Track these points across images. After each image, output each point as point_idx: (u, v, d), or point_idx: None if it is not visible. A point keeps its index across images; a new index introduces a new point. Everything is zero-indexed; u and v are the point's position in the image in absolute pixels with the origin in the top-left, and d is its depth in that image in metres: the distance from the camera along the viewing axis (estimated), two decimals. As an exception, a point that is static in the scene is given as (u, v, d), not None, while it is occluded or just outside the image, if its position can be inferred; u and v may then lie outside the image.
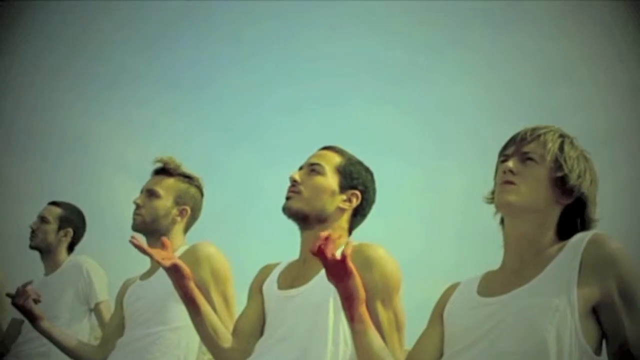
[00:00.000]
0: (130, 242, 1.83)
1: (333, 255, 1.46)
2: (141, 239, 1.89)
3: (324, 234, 1.48)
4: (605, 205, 1.55)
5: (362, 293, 1.54)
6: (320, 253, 1.46)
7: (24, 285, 2.46)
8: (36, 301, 2.46)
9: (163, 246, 1.89)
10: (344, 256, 1.46)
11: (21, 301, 2.43)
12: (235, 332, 1.95)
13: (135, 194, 2.46)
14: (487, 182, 1.60)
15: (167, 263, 1.82)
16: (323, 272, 1.55)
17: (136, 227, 2.40)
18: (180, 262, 1.85)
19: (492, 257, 1.59)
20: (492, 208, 1.58)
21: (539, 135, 1.52)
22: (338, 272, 1.49)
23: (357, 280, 1.51)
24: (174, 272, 1.85)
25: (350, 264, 1.48)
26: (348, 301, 1.53)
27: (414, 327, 1.76)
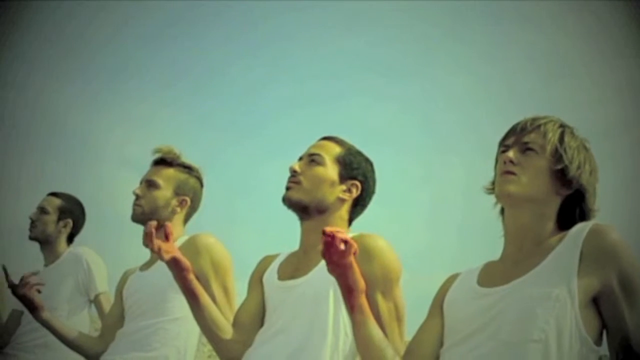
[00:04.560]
0: (149, 224, 1.82)
1: (338, 242, 1.45)
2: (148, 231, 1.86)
3: (335, 228, 1.47)
4: (605, 197, 1.55)
5: (361, 285, 1.54)
6: (329, 235, 1.45)
7: (29, 275, 2.46)
8: (38, 290, 2.46)
9: (165, 235, 1.87)
10: (347, 247, 1.45)
11: (23, 290, 2.43)
12: (235, 323, 1.95)
13: (135, 185, 2.45)
14: (487, 175, 1.61)
15: (167, 257, 1.82)
16: (323, 263, 1.55)
17: (135, 218, 2.40)
18: (179, 255, 1.85)
19: (493, 248, 1.59)
20: (492, 200, 1.58)
21: (539, 126, 1.52)
22: (337, 262, 1.49)
23: (356, 272, 1.52)
24: (174, 265, 1.85)
25: (351, 257, 1.48)
26: (348, 292, 1.53)
27: (416, 318, 1.76)
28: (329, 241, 1.44)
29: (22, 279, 2.45)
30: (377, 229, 1.88)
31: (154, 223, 1.82)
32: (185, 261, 1.86)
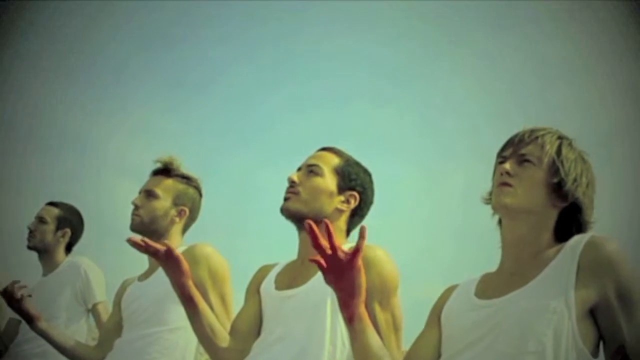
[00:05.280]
0: (128, 241, 1.82)
1: (341, 252, 1.43)
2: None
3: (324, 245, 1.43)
4: (604, 206, 1.54)
5: (363, 293, 1.52)
6: (318, 262, 1.44)
7: (12, 285, 2.46)
8: (29, 295, 2.46)
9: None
10: (356, 250, 1.43)
11: (14, 303, 2.44)
12: (232, 332, 1.95)
13: (134, 194, 2.46)
14: (486, 183, 1.60)
15: (175, 252, 1.82)
16: (320, 273, 1.54)
17: (134, 228, 2.40)
18: (182, 257, 1.85)
19: (491, 258, 1.59)
20: (490, 208, 1.57)
21: (537, 137, 1.52)
22: (344, 268, 1.45)
23: (363, 278, 1.49)
24: (176, 267, 1.84)
25: (360, 261, 1.45)
26: (349, 300, 1.49)
27: (412, 328, 1.76)
28: (328, 254, 1.43)
29: (5, 292, 2.45)
30: (375, 235, 1.88)
31: (133, 238, 1.82)
32: (187, 266, 1.86)
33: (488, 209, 1.58)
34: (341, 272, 1.46)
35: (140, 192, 2.45)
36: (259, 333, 1.91)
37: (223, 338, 1.91)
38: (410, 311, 1.90)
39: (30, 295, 2.50)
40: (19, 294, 2.45)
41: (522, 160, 1.50)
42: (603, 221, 1.53)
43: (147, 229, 2.38)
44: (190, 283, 1.87)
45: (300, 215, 1.88)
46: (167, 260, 1.83)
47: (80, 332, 3.02)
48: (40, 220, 3.16)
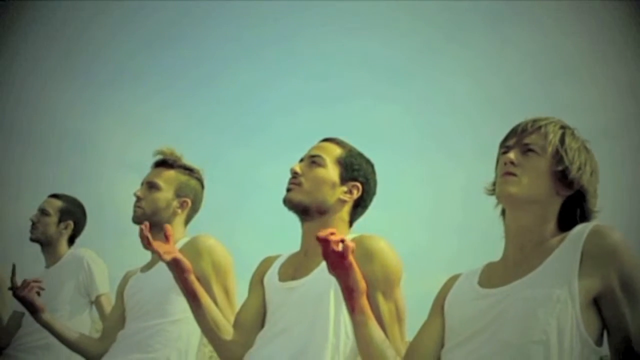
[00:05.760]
0: (141, 228, 1.82)
1: (335, 244, 1.47)
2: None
3: (328, 230, 1.48)
4: (605, 200, 1.55)
5: (362, 286, 1.54)
6: (323, 240, 1.46)
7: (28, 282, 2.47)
8: (38, 293, 2.47)
9: (165, 236, 1.88)
10: (344, 248, 1.46)
11: (24, 292, 2.44)
12: (236, 325, 1.96)
13: (136, 187, 2.45)
14: (486, 176, 1.61)
15: (168, 257, 1.83)
16: (324, 264, 1.55)
17: (137, 220, 2.39)
18: (180, 256, 1.85)
19: (493, 249, 1.60)
20: (492, 201, 1.58)
21: (540, 127, 1.52)
22: (337, 263, 1.50)
23: (357, 273, 1.52)
24: (175, 266, 1.85)
25: (350, 257, 1.49)
26: (349, 293, 1.54)
27: (415, 319, 1.76)
28: (325, 245, 1.45)
29: (23, 282, 2.46)
30: (378, 228, 1.89)
31: (146, 225, 1.84)
32: (186, 262, 1.86)
33: (490, 201, 1.58)
34: (334, 266, 1.50)
35: (142, 184, 2.45)
36: (262, 325, 1.91)
37: (227, 331, 1.91)
38: (414, 303, 1.91)
39: (43, 288, 2.50)
40: (33, 286, 2.46)
41: (526, 150, 1.50)
42: (605, 213, 1.54)
43: (150, 221, 2.33)
44: (192, 278, 1.88)
45: (302, 206, 1.88)
46: (168, 264, 1.85)
47: (83, 324, 3.03)
48: (43, 212, 3.16)
